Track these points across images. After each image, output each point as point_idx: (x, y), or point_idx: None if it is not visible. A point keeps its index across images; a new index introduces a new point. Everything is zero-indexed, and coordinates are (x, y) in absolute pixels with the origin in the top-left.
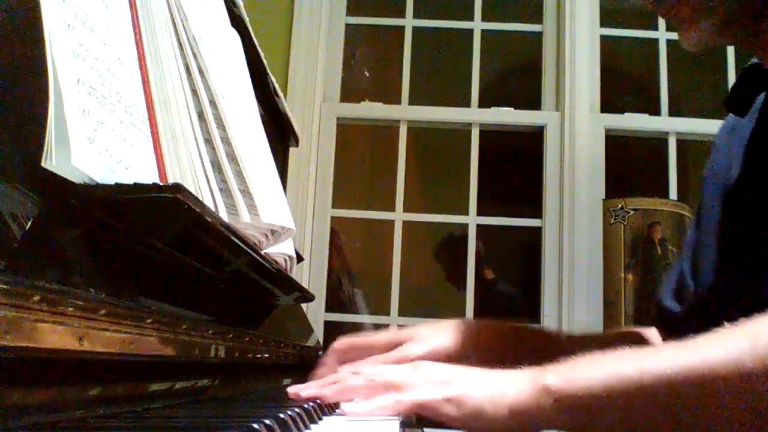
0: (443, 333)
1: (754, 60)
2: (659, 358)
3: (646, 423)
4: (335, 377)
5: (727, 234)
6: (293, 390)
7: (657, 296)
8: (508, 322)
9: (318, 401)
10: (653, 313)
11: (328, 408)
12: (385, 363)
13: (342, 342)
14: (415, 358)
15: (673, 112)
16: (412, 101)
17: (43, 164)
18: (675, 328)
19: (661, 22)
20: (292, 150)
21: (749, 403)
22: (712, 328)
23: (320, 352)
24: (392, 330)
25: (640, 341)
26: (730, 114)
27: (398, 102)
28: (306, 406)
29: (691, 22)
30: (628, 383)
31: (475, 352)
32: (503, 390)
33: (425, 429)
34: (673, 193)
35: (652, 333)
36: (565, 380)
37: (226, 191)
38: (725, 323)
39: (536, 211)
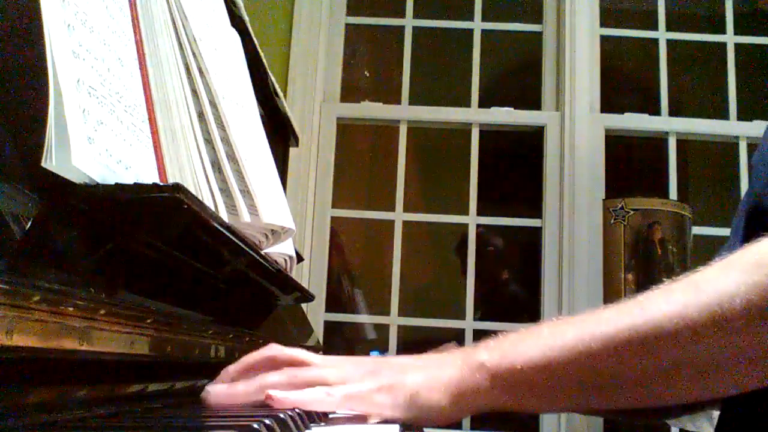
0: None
1: None
2: (599, 321)
3: (588, 390)
4: (249, 365)
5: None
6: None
7: None
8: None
9: None
10: None
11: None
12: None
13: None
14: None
15: (673, 112)
16: (412, 101)
17: (43, 164)
18: None
19: (662, 22)
20: (292, 150)
21: (697, 354)
22: None
23: (320, 352)
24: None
25: None
26: None
27: (398, 102)
28: None
29: None
30: (569, 350)
31: None
32: (437, 373)
33: (425, 430)
34: (673, 193)
35: None
36: (500, 355)
37: (226, 191)
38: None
39: (536, 211)
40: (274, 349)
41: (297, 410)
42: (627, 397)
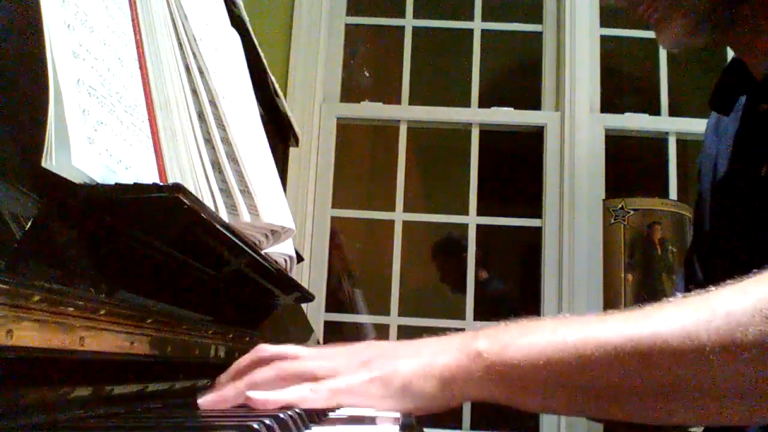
0: None
1: (735, 56)
2: (605, 327)
3: (584, 395)
4: (239, 369)
5: (717, 214)
6: (200, 401)
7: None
8: None
9: None
10: None
11: (329, 408)
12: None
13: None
14: None
15: (673, 112)
16: (412, 101)
17: (43, 164)
18: None
19: None
20: (292, 150)
21: (701, 377)
22: None
23: None
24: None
25: None
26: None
27: (398, 102)
28: None
29: (667, 20)
30: (570, 352)
31: None
32: (431, 360)
33: (425, 429)
34: (673, 193)
35: None
36: (500, 346)
37: (226, 191)
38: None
39: (536, 211)
40: (260, 350)
41: (297, 410)
42: (622, 409)
